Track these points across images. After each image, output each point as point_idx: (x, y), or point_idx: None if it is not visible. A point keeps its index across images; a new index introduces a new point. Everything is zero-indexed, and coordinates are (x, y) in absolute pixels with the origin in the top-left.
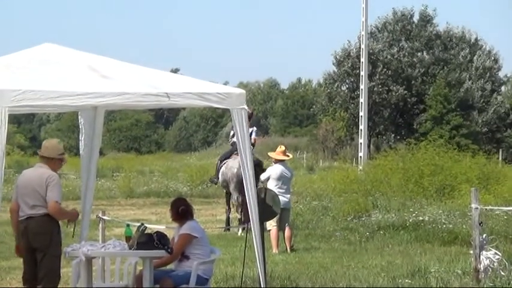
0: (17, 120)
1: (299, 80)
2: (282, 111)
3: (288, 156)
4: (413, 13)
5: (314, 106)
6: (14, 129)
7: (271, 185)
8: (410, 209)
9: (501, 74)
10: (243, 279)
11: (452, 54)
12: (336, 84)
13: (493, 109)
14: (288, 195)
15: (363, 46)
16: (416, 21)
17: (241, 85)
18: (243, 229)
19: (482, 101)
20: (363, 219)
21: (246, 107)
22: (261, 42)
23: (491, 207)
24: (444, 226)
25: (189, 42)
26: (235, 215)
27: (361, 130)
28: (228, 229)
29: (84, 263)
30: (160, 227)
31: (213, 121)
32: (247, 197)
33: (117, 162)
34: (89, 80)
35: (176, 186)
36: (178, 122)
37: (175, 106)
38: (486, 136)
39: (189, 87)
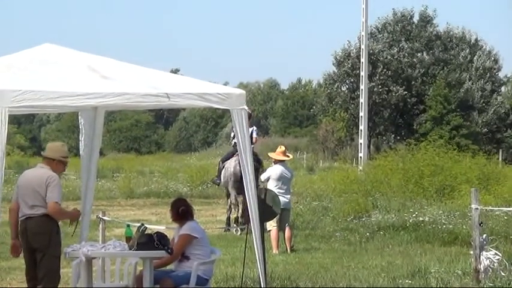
0: (17, 121)
1: (299, 80)
2: (282, 112)
3: (288, 156)
4: (413, 14)
5: (314, 106)
6: (14, 129)
7: (271, 186)
8: (411, 210)
9: (501, 74)
10: (243, 280)
11: (452, 55)
12: (336, 85)
13: (493, 109)
14: (288, 196)
15: (363, 46)
16: (416, 21)
17: (241, 85)
18: (242, 229)
19: (482, 101)
20: (363, 219)
21: (246, 108)
22: (261, 42)
23: (491, 208)
24: (444, 226)
25: (189, 42)
26: (235, 215)
27: (361, 130)
28: (228, 229)
29: (84, 263)
30: (161, 228)
31: (213, 121)
32: (247, 198)
33: (117, 162)
34: (89, 81)
35: (176, 187)
36: (178, 123)
37: (176, 106)
38: (486, 136)
39: (189, 87)
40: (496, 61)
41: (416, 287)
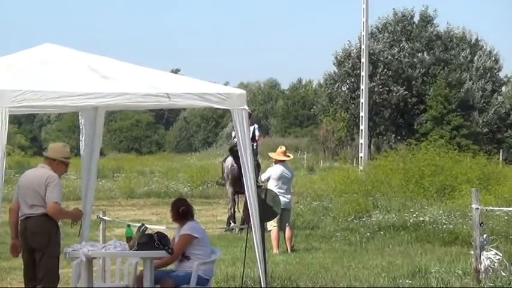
0: (18, 121)
1: (299, 80)
2: (283, 112)
3: (289, 156)
4: (414, 14)
5: (314, 106)
6: (14, 129)
7: (272, 186)
8: (411, 210)
9: (502, 74)
10: (244, 280)
11: (453, 55)
12: (337, 85)
13: (493, 109)
14: (289, 196)
15: (363, 46)
16: (416, 21)
17: (241, 85)
18: (242, 229)
19: (482, 101)
20: (364, 219)
21: (246, 108)
22: (261, 42)
23: (492, 208)
24: (445, 226)
25: (190, 42)
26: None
27: (361, 130)
28: (229, 229)
29: (84, 263)
30: (161, 228)
31: (214, 121)
32: (247, 197)
33: (117, 162)
34: (89, 81)
35: (177, 187)
36: (179, 123)
37: (176, 106)
38: (487, 136)
39: (190, 87)
40: (496, 61)
41: (416, 287)
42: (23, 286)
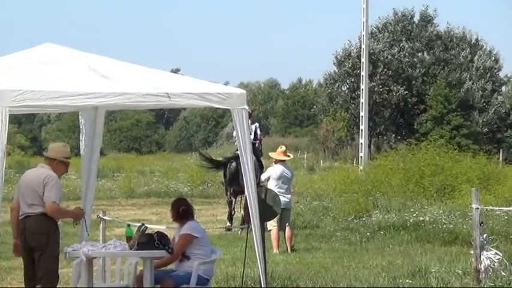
0: (18, 121)
1: (299, 80)
2: (283, 112)
3: (289, 156)
4: (414, 13)
5: (315, 106)
6: (14, 129)
7: (271, 185)
8: (411, 209)
9: (502, 74)
10: (244, 279)
11: (453, 55)
12: (337, 85)
13: (493, 109)
14: (289, 195)
15: (363, 46)
16: (416, 21)
17: (241, 85)
18: (242, 229)
19: (482, 101)
20: (364, 219)
21: (246, 107)
22: (261, 42)
23: (492, 208)
24: (445, 226)
25: (190, 42)
26: (237, 214)
27: (361, 130)
28: (229, 229)
29: (84, 263)
30: (161, 227)
31: (214, 121)
32: (247, 197)
33: (117, 162)
34: (89, 80)
35: (177, 187)
36: (179, 122)
37: (176, 106)
38: (487, 136)
39: (190, 87)
40: (496, 61)
41: (416, 286)
42: (23, 286)
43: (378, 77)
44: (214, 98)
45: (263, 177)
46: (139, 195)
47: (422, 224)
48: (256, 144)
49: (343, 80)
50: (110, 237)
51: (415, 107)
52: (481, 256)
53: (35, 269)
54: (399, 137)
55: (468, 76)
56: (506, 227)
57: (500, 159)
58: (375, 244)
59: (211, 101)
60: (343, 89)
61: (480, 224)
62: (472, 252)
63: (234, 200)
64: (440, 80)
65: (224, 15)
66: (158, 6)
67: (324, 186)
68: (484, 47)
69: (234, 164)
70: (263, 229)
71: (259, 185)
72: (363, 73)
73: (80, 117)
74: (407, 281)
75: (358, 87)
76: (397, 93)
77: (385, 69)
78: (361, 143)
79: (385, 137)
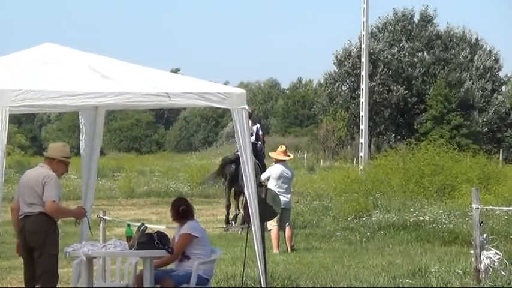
0: (18, 120)
1: (300, 80)
2: (283, 111)
3: (289, 156)
4: (414, 13)
5: (315, 106)
6: (14, 129)
7: (271, 185)
8: (411, 209)
9: (502, 73)
10: (244, 279)
11: (453, 54)
12: (337, 84)
13: (493, 109)
14: (289, 195)
15: (363, 46)
16: (416, 21)
17: (241, 85)
18: (243, 228)
19: (482, 100)
20: (364, 219)
21: (246, 107)
22: (261, 42)
23: (492, 207)
24: (445, 226)
25: (190, 42)
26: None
27: (361, 130)
28: (228, 229)
29: (84, 263)
30: (161, 227)
31: (214, 121)
32: (247, 197)
33: (117, 162)
34: (89, 80)
35: (177, 186)
36: (179, 122)
37: (176, 106)
38: (487, 136)
39: (190, 87)
40: (496, 60)
41: (416, 286)
42: (24, 285)
43: (378, 77)
44: (214, 98)
45: (263, 176)
46: (139, 195)
47: (422, 224)
48: (258, 145)
49: (343, 79)
50: (110, 237)
51: (415, 107)
52: (481, 256)
53: (35, 269)
54: (399, 137)
55: (468, 76)
56: (506, 227)
57: (500, 159)
58: (374, 244)
59: (211, 100)
60: (343, 88)
61: (480, 224)
62: (472, 252)
63: (233, 202)
64: (440, 80)
65: (224, 15)
66: (158, 6)
67: (324, 186)
68: (484, 46)
69: (233, 165)
70: (263, 229)
71: (260, 185)
72: (362, 73)
73: (80, 117)
74: (407, 280)
75: (358, 87)
76: (397, 93)
77: (385, 69)
78: (361, 143)
79: (385, 137)
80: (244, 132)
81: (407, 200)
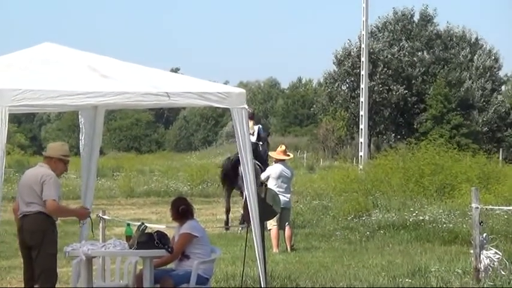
0: (17, 120)
1: (299, 79)
2: (283, 111)
3: (289, 155)
4: (414, 13)
5: (314, 105)
6: (14, 128)
7: (271, 184)
8: (411, 209)
9: (501, 73)
10: (244, 279)
11: (453, 54)
12: (337, 84)
13: (493, 108)
14: (288, 195)
15: (363, 45)
16: (416, 20)
17: (241, 84)
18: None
19: (482, 100)
20: (363, 218)
21: (246, 107)
22: (261, 41)
23: (492, 207)
24: (444, 225)
25: (189, 41)
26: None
27: (361, 129)
28: (228, 228)
29: (84, 262)
30: (161, 227)
31: (213, 120)
32: (247, 197)
33: (117, 161)
34: (89, 80)
35: (176, 186)
36: (179, 122)
37: (176, 105)
38: (486, 135)
39: (189, 86)
40: (496, 60)
41: (416, 286)
42: (23, 285)
43: (377, 76)
44: (214, 98)
45: (262, 176)
46: (139, 195)
47: (422, 223)
48: (262, 148)
49: (343, 79)
50: (110, 237)
51: (415, 106)
52: (481, 255)
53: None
54: (399, 136)
55: (468, 75)
56: (506, 226)
57: (500, 158)
58: (374, 243)
59: (211, 100)
60: (343, 88)
61: (480, 223)
62: (471, 251)
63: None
64: (440, 79)
65: (224, 15)
66: (158, 6)
67: (324, 186)
68: (484, 46)
69: (227, 161)
70: (263, 228)
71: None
72: (362, 72)
73: (79, 116)
74: (407, 280)
75: (358, 87)
76: (397, 93)
77: (385, 69)
78: (361, 142)
79: (384, 136)
80: (243, 131)
81: (407, 200)
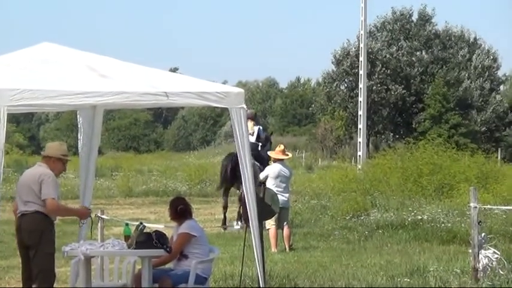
0: (16, 120)
1: (298, 79)
2: (281, 111)
3: (287, 155)
4: (412, 12)
5: (313, 105)
6: (12, 128)
7: (269, 184)
8: (409, 208)
9: (500, 73)
10: (242, 278)
11: (451, 53)
12: (335, 84)
13: (491, 108)
14: (287, 194)
15: (362, 45)
16: (415, 20)
17: (240, 84)
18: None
19: (481, 100)
20: (362, 218)
21: (244, 106)
22: (259, 41)
23: (490, 206)
24: (443, 225)
25: (188, 41)
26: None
27: (360, 129)
28: (225, 228)
29: (83, 262)
30: (159, 226)
31: (212, 120)
32: (245, 196)
33: (116, 161)
34: (87, 79)
35: (175, 185)
36: (177, 121)
37: (174, 105)
38: (485, 135)
39: (188, 86)
40: (494, 60)
41: (415, 285)
42: (22, 285)
43: (376, 76)
44: (213, 97)
45: (261, 176)
46: (137, 194)
47: (421, 223)
48: (259, 147)
49: (342, 79)
50: (108, 236)
51: (413, 106)
52: (479, 255)
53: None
54: (397, 136)
55: (466, 75)
56: (505, 226)
57: (499, 158)
58: (373, 243)
59: (210, 100)
60: (342, 88)
61: (478, 223)
62: (470, 251)
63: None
64: (438, 79)
65: (222, 15)
66: (157, 6)
67: (322, 185)
68: (482, 45)
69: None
70: (261, 228)
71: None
72: (361, 72)
73: (78, 116)
74: (405, 279)
75: (357, 86)
76: (396, 92)
77: (384, 68)
78: (360, 142)
79: (383, 136)
80: (242, 131)
81: (406, 199)
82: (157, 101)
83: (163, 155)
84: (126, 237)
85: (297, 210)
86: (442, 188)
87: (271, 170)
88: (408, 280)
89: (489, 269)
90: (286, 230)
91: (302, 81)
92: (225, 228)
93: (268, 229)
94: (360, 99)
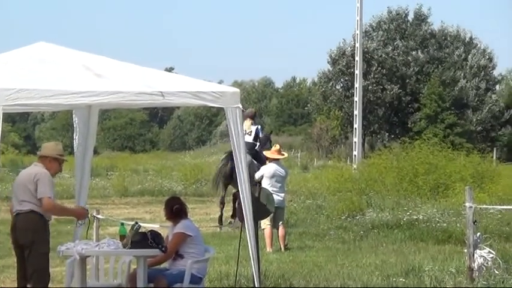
0: (12, 119)
1: (294, 78)
2: (277, 110)
3: (283, 155)
4: (408, 12)
5: (308, 105)
6: (8, 128)
7: (265, 184)
8: (405, 208)
9: (495, 72)
10: (237, 278)
11: (447, 53)
12: (331, 83)
13: (487, 108)
14: (282, 194)
15: (357, 45)
16: (411, 20)
17: (235, 84)
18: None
19: (476, 99)
20: (357, 218)
21: (240, 106)
22: (255, 41)
23: (486, 206)
24: (438, 225)
25: (184, 41)
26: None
27: (355, 129)
28: (221, 228)
29: (78, 261)
30: (155, 226)
31: (208, 120)
32: (241, 196)
33: (111, 161)
34: (83, 79)
35: (170, 185)
36: (173, 121)
37: (170, 105)
38: (480, 135)
39: (184, 86)
40: (490, 59)
41: (410, 285)
42: (16, 284)
43: (371, 76)
44: (208, 97)
45: (257, 175)
46: (132, 194)
47: (416, 223)
48: (258, 146)
49: (337, 78)
50: (104, 236)
51: (409, 106)
52: (475, 255)
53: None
54: (393, 136)
55: (462, 75)
56: (500, 226)
57: (494, 157)
58: (368, 243)
59: (205, 99)
60: (337, 87)
61: (474, 223)
62: (465, 250)
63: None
64: (434, 79)
65: (219, 15)
66: (154, 7)
67: (318, 185)
68: (478, 45)
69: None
70: (257, 228)
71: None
72: (356, 71)
73: (73, 115)
74: (400, 279)
75: (352, 86)
76: (391, 92)
77: (379, 68)
78: (355, 142)
79: (378, 136)
80: (238, 131)
81: (401, 199)
82: (153, 100)
83: (159, 154)
84: (122, 237)
85: (292, 210)
86: (438, 187)
87: (267, 170)
88: (403, 280)
89: (484, 269)
90: (281, 229)
91: (298, 80)
92: (221, 228)
93: (264, 229)
94: (356, 98)
